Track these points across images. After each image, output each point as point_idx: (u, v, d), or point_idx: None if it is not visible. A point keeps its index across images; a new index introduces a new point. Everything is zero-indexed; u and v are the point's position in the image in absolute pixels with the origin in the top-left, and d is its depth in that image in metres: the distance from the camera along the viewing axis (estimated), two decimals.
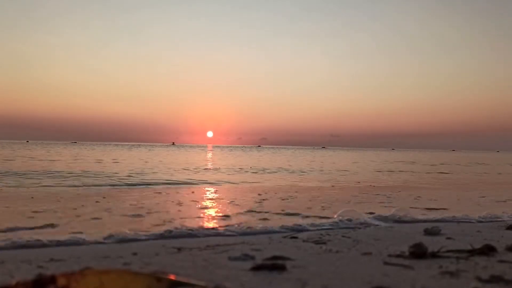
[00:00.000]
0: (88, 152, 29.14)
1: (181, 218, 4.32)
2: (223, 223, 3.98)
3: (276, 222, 3.91)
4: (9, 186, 7.54)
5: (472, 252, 2.09)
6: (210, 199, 6.42)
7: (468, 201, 6.32)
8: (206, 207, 5.28)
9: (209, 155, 32.61)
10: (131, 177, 10.19)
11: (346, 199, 6.22)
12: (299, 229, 3.45)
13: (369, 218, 4.00)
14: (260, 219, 4.25)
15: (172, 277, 1.37)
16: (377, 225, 3.75)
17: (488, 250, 2.11)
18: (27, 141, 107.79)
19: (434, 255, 2.00)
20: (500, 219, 4.14)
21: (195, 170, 14.00)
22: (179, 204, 5.53)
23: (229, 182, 9.81)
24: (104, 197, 6.03)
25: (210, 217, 4.48)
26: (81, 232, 3.16)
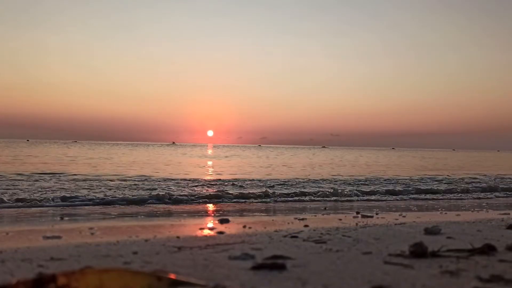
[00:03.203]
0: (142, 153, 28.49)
1: None
2: None
3: None
4: None
5: (473, 252, 2.08)
6: None
7: None
8: None
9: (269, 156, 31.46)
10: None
11: None
12: None
13: None
14: None
15: (173, 276, 1.37)
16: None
17: (488, 250, 2.11)
18: (27, 140, 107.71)
19: (434, 255, 2.00)
20: None
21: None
22: None
23: None
24: None
25: None
26: None
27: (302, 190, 8.82)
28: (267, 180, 10.87)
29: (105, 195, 7.07)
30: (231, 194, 7.79)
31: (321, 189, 8.94)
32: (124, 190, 8.04)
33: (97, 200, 6.52)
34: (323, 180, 11.45)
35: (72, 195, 6.89)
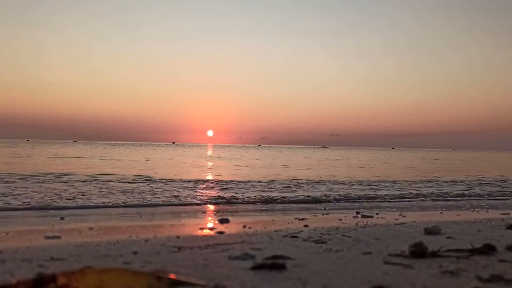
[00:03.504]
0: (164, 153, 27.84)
1: None
2: None
3: None
4: None
5: (473, 252, 2.08)
6: None
7: None
8: None
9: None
10: None
11: None
12: None
13: None
14: None
15: (173, 276, 1.37)
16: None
17: (488, 250, 2.11)
18: (27, 140, 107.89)
19: (434, 255, 2.00)
20: None
21: None
22: None
23: None
24: None
25: None
26: None
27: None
28: (272, 181, 10.84)
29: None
30: (235, 197, 7.75)
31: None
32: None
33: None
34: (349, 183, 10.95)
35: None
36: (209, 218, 5.21)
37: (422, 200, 8.05)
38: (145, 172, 12.92)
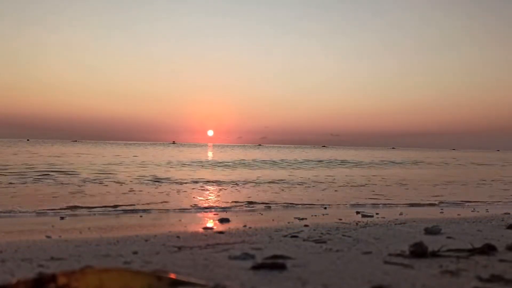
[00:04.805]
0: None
1: None
2: None
3: None
4: None
5: (473, 251, 2.08)
6: None
7: None
8: None
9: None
10: None
11: None
12: None
13: None
14: None
15: (173, 276, 1.37)
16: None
17: (488, 249, 2.11)
18: (28, 140, 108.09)
19: (435, 254, 2.00)
20: None
21: None
22: None
23: None
24: None
25: None
26: None
27: None
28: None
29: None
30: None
31: None
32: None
33: None
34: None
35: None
36: (209, 218, 5.21)
37: None
38: (139, 173, 12.93)
